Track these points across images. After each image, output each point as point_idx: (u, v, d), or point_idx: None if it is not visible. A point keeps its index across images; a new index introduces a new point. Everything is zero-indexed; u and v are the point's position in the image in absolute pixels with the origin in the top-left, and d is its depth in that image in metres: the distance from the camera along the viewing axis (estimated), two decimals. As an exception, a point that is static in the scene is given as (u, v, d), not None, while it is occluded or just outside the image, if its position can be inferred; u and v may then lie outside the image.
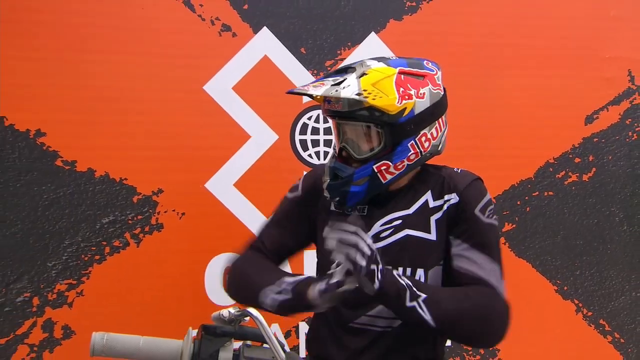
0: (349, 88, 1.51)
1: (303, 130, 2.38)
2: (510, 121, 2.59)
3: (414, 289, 1.41)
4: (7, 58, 2.09)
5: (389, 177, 1.55)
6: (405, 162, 1.55)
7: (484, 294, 1.50)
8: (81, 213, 2.18)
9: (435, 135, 1.58)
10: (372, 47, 2.42)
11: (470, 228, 1.54)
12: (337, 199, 1.57)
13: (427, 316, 1.39)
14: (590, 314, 2.67)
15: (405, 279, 1.43)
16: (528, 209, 2.62)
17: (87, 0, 2.16)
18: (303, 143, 2.38)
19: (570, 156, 2.65)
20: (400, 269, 1.55)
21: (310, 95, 1.60)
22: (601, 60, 2.66)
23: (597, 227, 2.70)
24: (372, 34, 2.44)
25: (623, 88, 2.68)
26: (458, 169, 1.64)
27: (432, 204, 1.58)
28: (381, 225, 1.58)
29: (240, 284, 1.68)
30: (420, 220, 1.57)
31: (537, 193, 2.62)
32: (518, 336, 2.52)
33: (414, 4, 2.46)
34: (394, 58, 1.63)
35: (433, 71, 1.60)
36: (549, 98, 2.62)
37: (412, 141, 1.54)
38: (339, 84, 1.53)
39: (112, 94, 2.20)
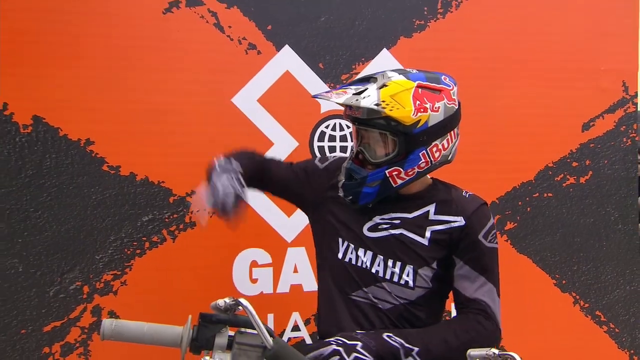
0: (369, 98, 1.54)
1: (321, 138, 2.44)
2: (513, 128, 2.62)
3: (406, 345, 1.47)
4: (62, 77, 2.17)
5: (399, 181, 1.60)
6: (416, 170, 1.60)
7: (471, 327, 1.56)
8: (124, 212, 2.25)
9: (446, 146, 1.63)
10: (384, 62, 2.46)
11: (473, 252, 1.61)
12: (350, 197, 1.62)
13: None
14: (587, 305, 2.70)
15: (397, 338, 1.47)
16: (529, 209, 2.65)
17: (131, 25, 2.24)
18: (321, 149, 2.44)
19: (569, 160, 2.68)
20: (391, 261, 1.62)
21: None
22: (597, 72, 2.68)
23: (594, 226, 2.72)
24: (384, 50, 2.49)
25: (618, 97, 2.70)
26: (466, 192, 1.69)
27: (432, 216, 1.64)
28: (381, 219, 1.65)
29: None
30: (417, 225, 1.64)
31: (537, 194, 2.66)
32: (520, 326, 2.61)
33: (422, 22, 2.51)
34: (414, 71, 1.64)
35: (449, 86, 1.63)
36: (549, 107, 2.65)
37: (424, 151, 1.59)
38: (360, 93, 1.56)
39: (152, 107, 2.26)
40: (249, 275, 2.39)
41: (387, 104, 1.53)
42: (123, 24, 2.25)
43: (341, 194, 1.66)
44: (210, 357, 1.21)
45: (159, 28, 2.28)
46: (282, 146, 2.40)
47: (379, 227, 1.65)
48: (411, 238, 1.63)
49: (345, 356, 1.41)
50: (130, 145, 2.26)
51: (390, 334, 1.49)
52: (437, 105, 1.59)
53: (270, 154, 2.36)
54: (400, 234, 1.64)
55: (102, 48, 2.23)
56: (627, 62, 2.72)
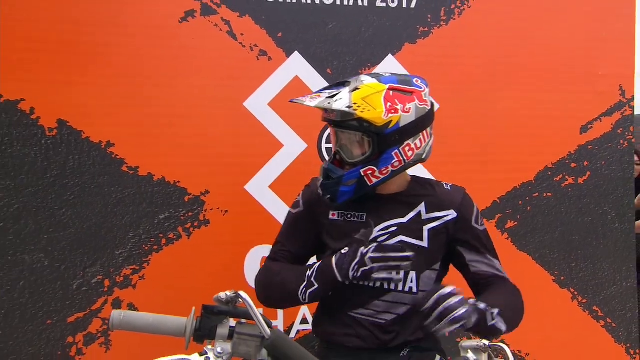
0: (341, 101, 1.56)
1: (328, 140, 2.47)
2: (514, 130, 2.64)
3: (489, 308, 1.49)
4: (85, 83, 2.24)
5: (374, 180, 1.62)
6: (390, 168, 1.62)
7: (510, 290, 1.67)
8: (142, 210, 2.30)
9: (419, 145, 1.65)
10: (389, 67, 2.50)
11: (472, 239, 1.68)
12: (329, 196, 1.64)
13: (502, 326, 1.51)
14: (585, 301, 2.72)
15: (481, 303, 1.48)
16: (529, 208, 2.68)
17: (149, 34, 2.30)
18: (328, 150, 2.47)
19: (567, 161, 2.70)
20: (394, 271, 1.62)
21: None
22: (595, 77, 2.70)
23: (592, 225, 2.74)
24: (389, 55, 2.52)
25: (615, 101, 2.72)
26: (447, 185, 1.72)
27: (424, 215, 1.67)
28: (378, 231, 1.65)
29: (275, 296, 1.70)
30: (413, 228, 1.65)
31: (537, 194, 2.69)
32: None
33: (426, 29, 2.55)
34: (387, 75, 1.66)
35: (421, 88, 1.65)
36: (549, 110, 2.67)
37: (397, 150, 1.61)
38: (333, 96, 1.58)
39: (168, 111, 2.32)
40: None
41: (358, 106, 1.55)
42: (141, 33, 2.31)
43: (320, 192, 1.68)
44: (213, 347, 1.25)
45: (175, 36, 2.34)
46: (291, 148, 2.44)
47: (378, 239, 1.66)
48: (410, 244, 1.65)
49: (472, 312, 1.43)
50: (148, 147, 2.31)
51: (474, 300, 1.50)
52: (408, 106, 1.60)
53: (280, 155, 2.43)
54: (399, 241, 1.65)
55: (122, 56, 2.29)
56: (624, 67, 2.74)
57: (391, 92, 1.60)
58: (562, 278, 2.73)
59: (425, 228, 1.67)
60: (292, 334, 2.49)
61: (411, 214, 1.68)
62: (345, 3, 2.50)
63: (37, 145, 2.23)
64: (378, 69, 2.52)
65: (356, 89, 1.59)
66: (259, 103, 2.43)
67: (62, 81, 2.25)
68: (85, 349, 2.28)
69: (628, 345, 2.81)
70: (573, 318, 2.75)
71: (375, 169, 1.62)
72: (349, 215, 1.70)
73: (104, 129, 2.29)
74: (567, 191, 2.74)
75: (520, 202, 2.69)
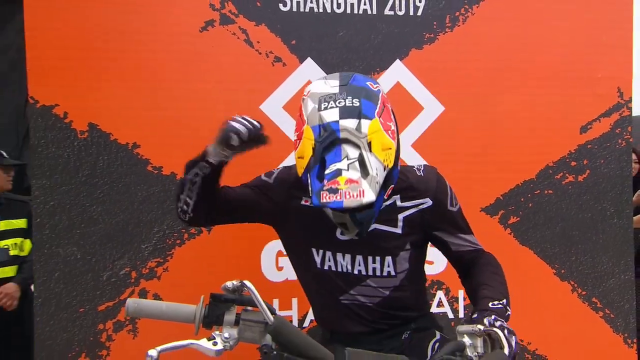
0: (379, 170, 1.42)
1: None
2: (516, 131, 2.68)
3: (502, 301, 1.47)
4: (114, 89, 2.34)
5: (389, 192, 1.57)
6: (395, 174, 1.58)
7: (495, 263, 1.65)
8: (166, 207, 2.38)
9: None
10: (397, 72, 2.57)
11: (449, 222, 1.68)
12: (363, 234, 1.59)
13: (509, 312, 1.49)
14: (584, 293, 2.76)
15: (495, 301, 1.46)
16: (531, 204, 2.72)
17: (172, 42, 2.38)
18: None
19: (567, 160, 2.74)
20: (370, 258, 1.64)
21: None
22: (594, 79, 2.73)
23: (591, 220, 2.77)
24: (397, 61, 2.58)
25: (613, 102, 2.75)
26: (418, 168, 1.68)
27: (399, 204, 1.64)
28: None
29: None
30: (387, 216, 1.63)
31: (538, 191, 2.73)
32: (520, 313, 2.58)
33: (432, 35, 2.61)
34: (360, 102, 1.46)
35: (380, 90, 1.53)
36: (550, 111, 2.71)
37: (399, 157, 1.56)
38: (362, 166, 1.40)
39: (190, 114, 2.39)
40: (276, 263, 2.49)
41: (384, 159, 1.45)
42: (165, 41, 2.38)
43: (350, 237, 1.61)
44: (220, 332, 1.29)
45: (196, 44, 2.41)
46: (304, 148, 2.53)
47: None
48: (384, 230, 1.64)
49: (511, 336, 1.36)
50: (171, 148, 2.38)
51: (490, 302, 1.46)
52: (391, 117, 1.52)
53: (294, 155, 2.46)
54: (374, 229, 1.63)
55: (147, 63, 2.37)
56: (622, 70, 2.77)
57: (380, 120, 1.47)
58: (563, 271, 2.77)
59: (400, 216, 1.64)
60: (306, 323, 2.55)
61: (385, 204, 1.63)
62: (355, 12, 2.56)
63: (69, 147, 2.33)
64: (386, 74, 2.58)
65: (369, 144, 1.43)
66: (274, 106, 2.49)
67: (92, 87, 2.33)
68: (114, 335, 2.38)
69: (626, 334, 2.84)
70: (573, 309, 2.78)
71: (393, 184, 1.57)
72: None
73: (130, 132, 2.37)
74: (567, 188, 2.77)
75: (522, 199, 2.73)
